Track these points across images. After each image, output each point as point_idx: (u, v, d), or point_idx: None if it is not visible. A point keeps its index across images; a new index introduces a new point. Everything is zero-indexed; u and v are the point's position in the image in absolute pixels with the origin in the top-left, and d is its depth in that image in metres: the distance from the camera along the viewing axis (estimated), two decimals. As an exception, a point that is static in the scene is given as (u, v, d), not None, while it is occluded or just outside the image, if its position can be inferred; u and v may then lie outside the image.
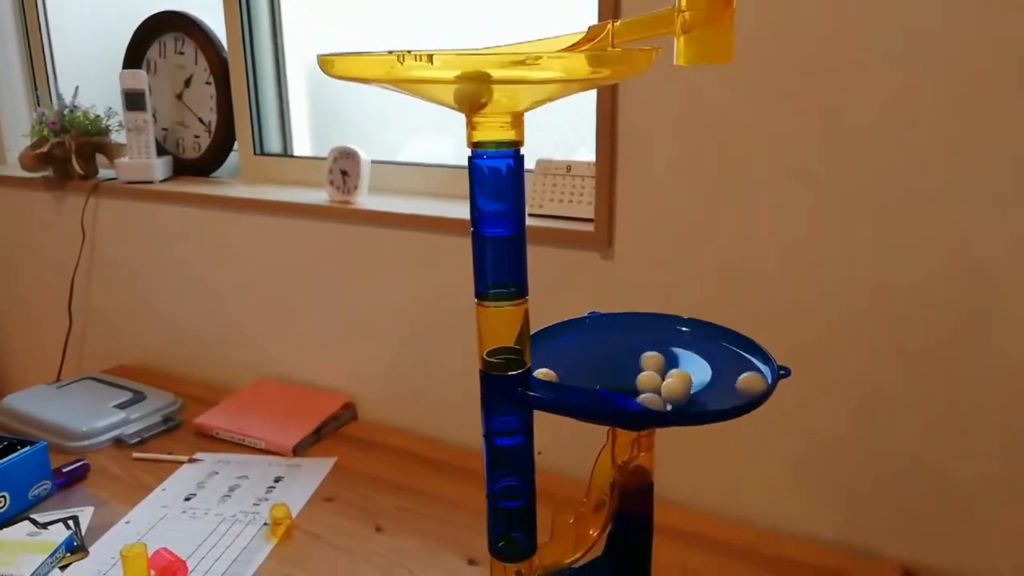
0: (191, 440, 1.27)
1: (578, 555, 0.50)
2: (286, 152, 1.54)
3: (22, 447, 1.09)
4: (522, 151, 0.39)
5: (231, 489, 1.12)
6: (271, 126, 1.53)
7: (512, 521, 0.46)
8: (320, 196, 1.33)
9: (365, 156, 1.28)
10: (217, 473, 1.17)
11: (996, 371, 0.86)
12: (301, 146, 1.54)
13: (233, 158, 1.57)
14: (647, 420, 0.46)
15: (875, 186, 0.87)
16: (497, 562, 0.47)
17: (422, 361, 1.27)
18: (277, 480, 1.15)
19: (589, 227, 1.07)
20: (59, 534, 1.00)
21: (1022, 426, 0.86)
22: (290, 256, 1.37)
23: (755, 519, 1.02)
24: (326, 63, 0.37)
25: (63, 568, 0.95)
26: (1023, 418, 0.86)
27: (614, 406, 0.43)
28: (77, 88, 1.60)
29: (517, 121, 0.38)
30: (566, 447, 0.80)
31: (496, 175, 0.39)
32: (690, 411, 0.47)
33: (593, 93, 1.02)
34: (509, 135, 0.38)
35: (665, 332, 0.58)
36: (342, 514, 1.07)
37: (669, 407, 0.46)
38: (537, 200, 1.13)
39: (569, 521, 0.51)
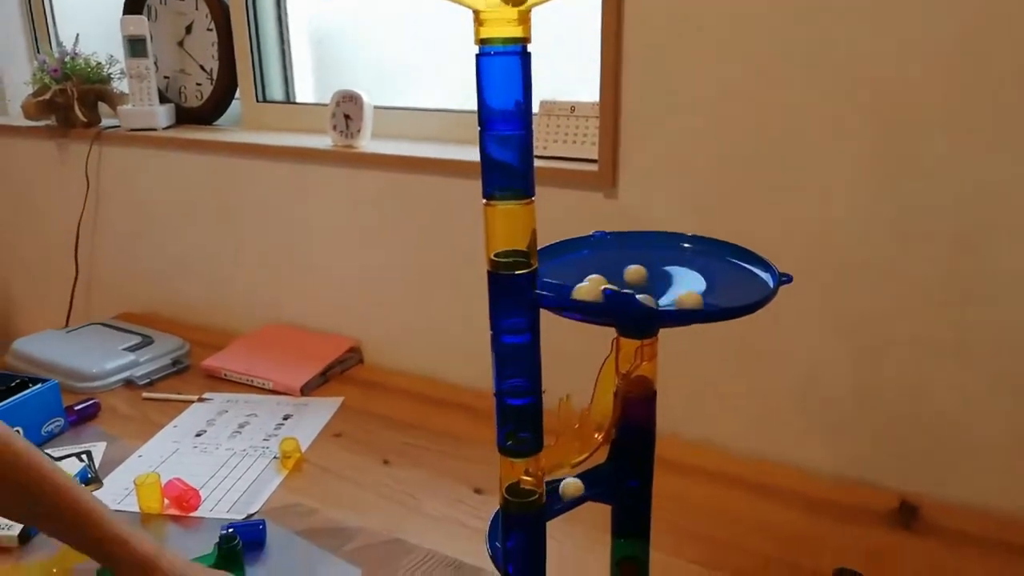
0: (200, 382, 1.29)
1: (583, 457, 0.52)
2: (288, 99, 1.53)
3: (33, 385, 1.11)
4: (529, 48, 0.40)
5: (240, 426, 1.14)
6: (273, 73, 1.52)
7: (519, 420, 0.48)
8: (324, 141, 1.33)
9: (368, 100, 1.28)
10: (226, 411, 1.19)
11: (995, 304, 0.87)
12: (304, 94, 1.54)
13: (235, 106, 1.57)
14: (646, 317, 0.47)
15: (880, 116, 0.88)
16: (506, 459, 0.49)
17: (426, 305, 1.29)
18: (286, 418, 1.17)
19: (593, 167, 1.08)
20: (73, 468, 1.02)
21: (1018, 360, 0.87)
22: (294, 202, 1.38)
23: (756, 454, 1.04)
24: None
25: (79, 498, 0.98)
26: (1019, 352, 0.87)
27: (618, 303, 0.45)
28: (78, 35, 1.59)
29: (524, 18, 0.39)
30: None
31: (503, 71, 0.39)
32: (687, 309, 0.48)
33: (597, 34, 1.02)
34: (516, 31, 0.39)
35: (670, 249, 0.59)
36: (350, 449, 1.09)
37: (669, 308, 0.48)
38: (541, 142, 1.13)
39: (575, 427, 0.52)
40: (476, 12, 0.39)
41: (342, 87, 1.30)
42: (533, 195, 0.43)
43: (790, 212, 0.95)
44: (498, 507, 0.53)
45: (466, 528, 0.92)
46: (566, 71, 1.20)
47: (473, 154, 1.21)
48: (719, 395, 1.06)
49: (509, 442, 0.48)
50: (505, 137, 0.41)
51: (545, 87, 1.19)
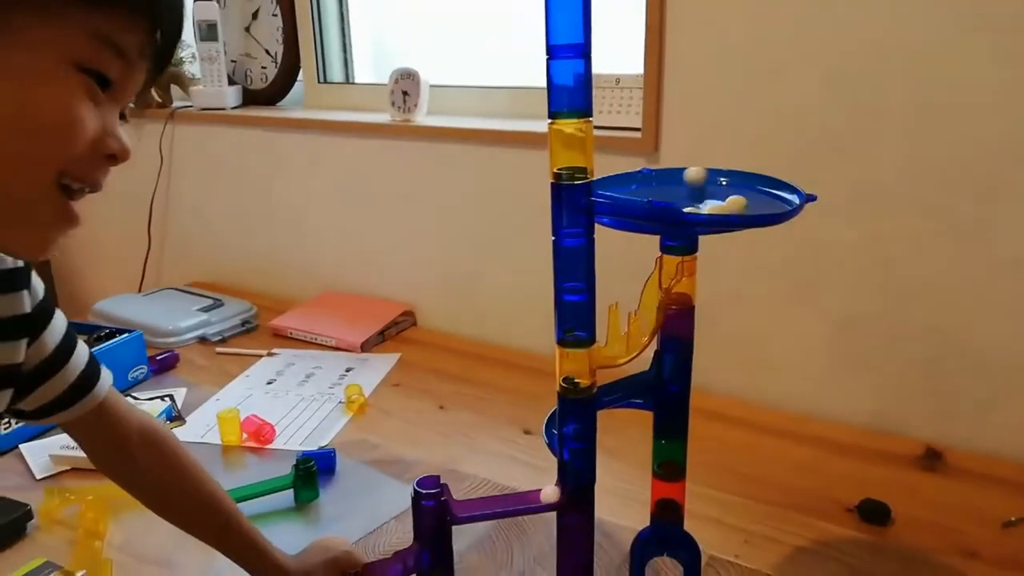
0: (267, 340, 1.39)
1: (629, 357, 0.59)
2: (348, 80, 1.63)
3: (120, 335, 1.22)
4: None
5: (307, 376, 1.24)
6: (334, 55, 1.62)
7: (575, 317, 0.55)
8: (382, 117, 1.42)
9: (425, 77, 1.37)
10: (293, 364, 1.29)
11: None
12: (362, 75, 1.63)
13: (298, 88, 1.67)
14: (688, 223, 0.55)
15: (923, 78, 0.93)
16: (563, 351, 0.56)
17: (477, 271, 1.37)
18: (348, 370, 1.26)
19: (636, 135, 1.15)
20: (158, 408, 1.13)
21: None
22: (354, 174, 1.47)
23: (787, 404, 1.10)
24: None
25: (166, 432, 1.08)
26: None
27: (663, 210, 0.52)
28: (153, 22, 1.71)
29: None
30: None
31: (568, 6, 0.47)
32: (723, 216, 0.56)
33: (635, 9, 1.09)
34: (581, -29, 0.47)
35: (709, 183, 0.66)
36: (408, 396, 1.18)
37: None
38: (587, 112, 1.20)
39: (622, 332, 0.60)
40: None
41: (398, 67, 1.38)
42: (591, 116, 0.50)
43: (827, 177, 1.01)
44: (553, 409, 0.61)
45: (516, 461, 0.99)
46: (606, 46, 1.27)
47: (523, 127, 1.29)
48: (752, 347, 1.13)
49: (566, 336, 0.56)
50: (568, 63, 0.49)
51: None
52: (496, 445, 1.04)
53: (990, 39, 0.89)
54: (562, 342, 0.56)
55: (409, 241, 1.44)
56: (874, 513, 0.86)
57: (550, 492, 0.60)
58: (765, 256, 1.09)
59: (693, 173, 0.60)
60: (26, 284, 0.57)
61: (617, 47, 1.19)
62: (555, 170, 0.52)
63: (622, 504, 0.85)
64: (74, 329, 0.64)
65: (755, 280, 1.10)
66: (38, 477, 0.97)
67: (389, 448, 1.03)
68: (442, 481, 0.61)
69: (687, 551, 0.70)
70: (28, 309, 0.56)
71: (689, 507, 0.70)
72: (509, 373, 1.25)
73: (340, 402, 1.15)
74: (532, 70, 1.34)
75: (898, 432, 1.03)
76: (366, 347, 1.34)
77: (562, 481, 0.60)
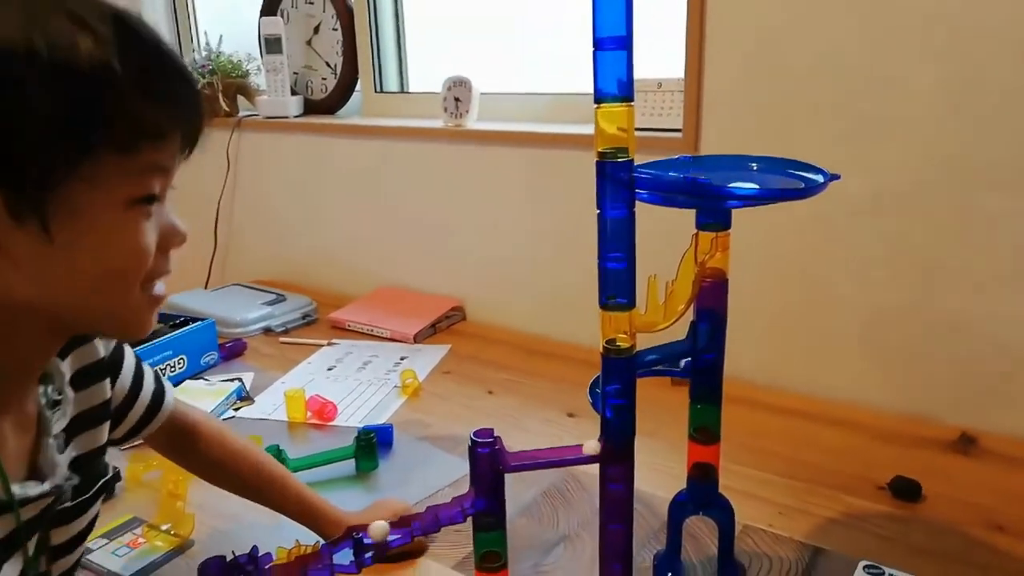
0: (327, 331, 1.48)
1: (667, 324, 0.65)
2: (403, 89, 1.72)
3: (194, 323, 1.32)
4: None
5: (365, 363, 1.32)
6: (390, 66, 1.71)
7: (617, 283, 0.61)
8: (435, 123, 1.51)
9: (476, 84, 1.45)
10: (351, 353, 1.37)
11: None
12: (416, 84, 1.72)
13: (355, 98, 1.77)
14: (720, 195, 0.61)
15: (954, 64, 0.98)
16: (606, 315, 0.62)
17: (523, 268, 1.43)
18: (402, 359, 1.34)
19: (678, 135, 1.20)
20: (229, 388, 1.21)
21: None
22: (407, 176, 1.55)
23: (822, 392, 1.14)
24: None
25: (236, 410, 1.17)
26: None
27: (698, 183, 0.58)
28: (221, 36, 1.83)
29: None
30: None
31: (612, 5, 0.54)
32: (754, 189, 0.61)
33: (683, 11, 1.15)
34: (624, -27, 0.53)
35: (740, 168, 0.72)
36: (459, 382, 1.25)
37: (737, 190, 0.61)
38: (630, 115, 1.26)
39: (660, 301, 0.65)
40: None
41: (451, 75, 1.47)
42: (632, 100, 0.57)
43: (862, 169, 1.05)
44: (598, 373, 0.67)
45: (560, 440, 1.04)
46: (648, 51, 1.34)
47: (565, 130, 1.35)
48: (785, 337, 1.17)
49: (608, 301, 0.62)
50: (612, 54, 0.55)
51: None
52: (541, 426, 1.10)
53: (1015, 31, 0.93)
54: (605, 306, 0.62)
55: (459, 239, 1.51)
56: (905, 490, 0.90)
57: (592, 445, 0.66)
58: (799, 245, 1.13)
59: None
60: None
61: (658, 52, 1.25)
62: (600, 149, 0.59)
63: (659, 478, 0.90)
64: (140, 361, 0.72)
65: (789, 270, 1.15)
66: (121, 447, 1.06)
67: (441, 427, 1.10)
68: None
69: (722, 512, 0.75)
70: (103, 354, 0.64)
71: (724, 482, 0.75)
72: (554, 363, 1.31)
73: (395, 386, 1.22)
74: (572, 77, 1.42)
75: (934, 419, 1.06)
76: (418, 338, 1.41)
77: (604, 436, 0.66)
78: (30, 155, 0.44)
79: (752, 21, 1.10)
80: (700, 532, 0.84)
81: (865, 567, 0.71)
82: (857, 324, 1.11)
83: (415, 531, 0.67)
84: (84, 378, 0.62)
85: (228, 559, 0.64)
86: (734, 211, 0.66)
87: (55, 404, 0.59)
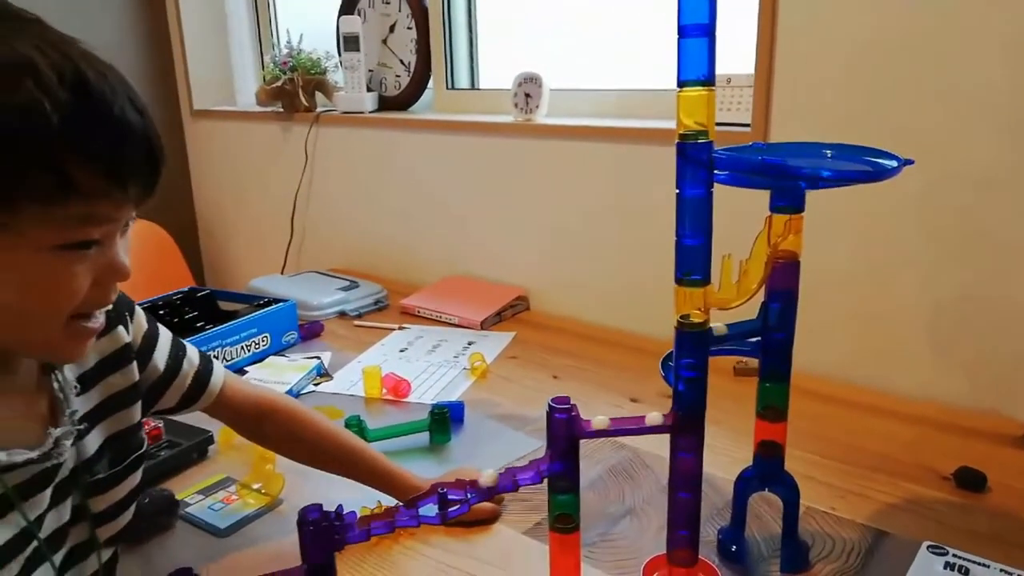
0: (397, 317, 1.54)
1: (739, 301, 0.68)
2: (473, 86, 1.78)
3: (276, 304, 1.39)
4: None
5: (434, 347, 1.37)
6: (461, 64, 1.77)
7: (692, 260, 0.64)
8: (505, 118, 1.56)
9: (546, 80, 1.49)
10: (422, 337, 1.43)
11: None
12: (486, 82, 1.77)
13: (427, 95, 1.83)
14: (794, 175, 0.63)
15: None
16: (681, 291, 0.66)
17: (588, 260, 1.47)
18: (469, 343, 1.39)
19: (747, 130, 1.23)
20: (309, 365, 1.28)
21: None
22: (476, 170, 1.61)
23: (889, 384, 1.15)
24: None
25: (316, 385, 1.23)
26: None
27: (773, 164, 0.61)
28: (301, 35, 1.91)
29: (714, -43, 0.57)
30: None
31: (698, -2, 0.57)
32: (827, 170, 0.64)
33: (755, 10, 1.17)
34: (708, -33, 0.57)
35: (814, 155, 0.75)
36: (524, 367, 1.29)
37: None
38: (699, 110, 1.29)
39: (734, 280, 0.69)
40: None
41: (522, 71, 1.51)
42: (713, 84, 0.60)
43: (933, 164, 1.06)
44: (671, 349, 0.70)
45: (626, 423, 1.09)
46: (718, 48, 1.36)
47: (632, 124, 1.39)
48: (854, 330, 1.18)
49: (684, 277, 0.65)
50: (695, 40, 0.59)
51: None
52: (605, 409, 1.13)
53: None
54: (680, 282, 0.65)
55: (524, 230, 1.56)
56: (970, 480, 0.90)
57: (655, 416, 0.69)
58: (869, 239, 1.14)
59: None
60: (121, 320, 0.69)
61: (727, 49, 1.27)
62: (681, 131, 0.62)
63: (723, 461, 0.92)
64: (183, 344, 0.79)
65: (859, 264, 1.16)
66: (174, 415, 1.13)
67: (509, 407, 1.14)
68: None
69: (787, 488, 0.78)
70: (128, 339, 0.69)
71: (788, 466, 0.77)
72: (616, 352, 1.34)
73: (464, 368, 1.27)
74: (640, 74, 1.45)
75: (1000, 414, 1.06)
76: (485, 325, 1.46)
77: (676, 408, 0.69)
78: None
79: (823, 19, 1.11)
80: (764, 512, 0.87)
81: (929, 547, 0.73)
82: (924, 319, 1.11)
83: (495, 490, 0.71)
84: (110, 364, 0.68)
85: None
86: (808, 202, 0.68)
87: (75, 390, 0.64)
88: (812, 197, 0.69)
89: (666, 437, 0.70)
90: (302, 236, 1.97)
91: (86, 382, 0.66)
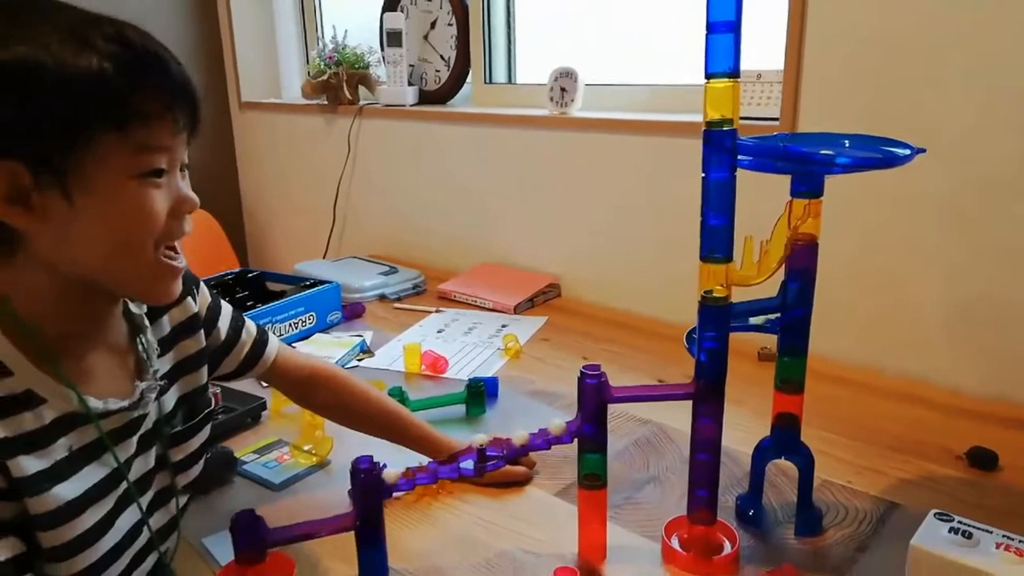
0: (434, 301, 1.61)
1: (761, 279, 0.73)
2: (510, 81, 1.84)
3: (321, 285, 1.47)
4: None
5: (470, 329, 1.44)
6: (499, 59, 1.83)
7: (716, 239, 0.70)
8: (541, 112, 1.62)
9: (581, 75, 1.55)
10: (457, 320, 1.49)
11: None
12: (523, 78, 1.83)
13: (465, 89, 1.89)
14: (813, 160, 0.69)
15: None
16: (704, 267, 0.71)
17: (618, 249, 1.53)
18: (503, 326, 1.45)
19: (775, 124, 1.27)
20: (352, 342, 1.36)
21: None
22: (511, 161, 1.67)
23: (907, 372, 1.19)
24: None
25: (359, 361, 1.31)
26: None
27: (793, 150, 0.66)
28: (346, 31, 1.99)
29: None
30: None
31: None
32: (845, 156, 0.69)
33: (785, 9, 1.22)
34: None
35: (834, 144, 0.80)
36: (556, 349, 1.35)
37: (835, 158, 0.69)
38: (729, 105, 1.34)
39: (755, 260, 0.74)
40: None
41: (559, 66, 1.57)
42: (738, 77, 0.66)
43: (955, 162, 1.10)
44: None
45: (651, 404, 1.14)
46: (748, 44, 1.41)
47: (663, 118, 1.44)
48: (874, 319, 1.22)
49: (708, 255, 0.71)
50: (722, 36, 0.64)
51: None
52: (634, 388, 1.19)
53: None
54: (704, 259, 0.71)
55: (556, 220, 1.62)
56: (982, 459, 0.95)
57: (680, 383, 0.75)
58: (889, 228, 1.18)
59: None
60: (190, 292, 0.76)
61: (757, 45, 1.32)
62: (707, 119, 0.68)
63: (744, 436, 0.97)
64: (242, 316, 0.87)
65: (878, 255, 1.20)
66: (264, 385, 1.21)
67: (541, 384, 1.21)
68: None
69: (802, 457, 0.83)
70: (196, 309, 0.77)
71: (808, 444, 0.82)
72: (643, 337, 1.40)
73: (498, 348, 1.34)
74: (670, 70, 1.50)
75: (1012, 400, 1.10)
76: (518, 310, 1.53)
77: (698, 377, 0.75)
78: (47, 138, 0.55)
79: (851, 17, 1.16)
80: (780, 482, 0.92)
81: (936, 514, 0.77)
82: (946, 307, 1.15)
83: (527, 448, 0.77)
84: (182, 331, 0.76)
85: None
86: (828, 190, 0.74)
87: (156, 351, 0.72)
88: (837, 188, 0.74)
89: (688, 414, 0.76)
90: (343, 223, 2.05)
91: (164, 346, 0.74)
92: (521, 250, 1.70)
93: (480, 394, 1.11)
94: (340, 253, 2.03)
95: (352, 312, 1.50)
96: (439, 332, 1.43)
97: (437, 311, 1.54)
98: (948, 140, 1.10)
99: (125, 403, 0.66)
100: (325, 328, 1.44)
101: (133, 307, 0.71)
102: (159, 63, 0.60)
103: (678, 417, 0.96)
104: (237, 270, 1.56)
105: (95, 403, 0.64)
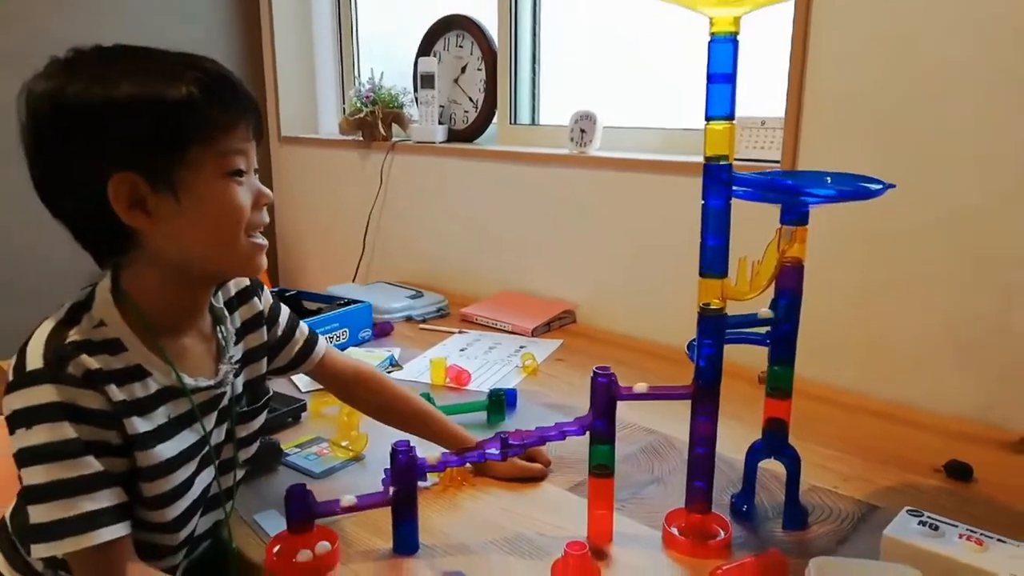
0: (457, 323, 1.73)
1: (753, 295, 0.83)
2: (534, 122, 1.98)
3: (354, 304, 1.59)
4: (738, 38, 0.75)
5: (490, 348, 1.55)
6: (524, 102, 1.97)
7: (714, 258, 0.81)
8: (561, 151, 1.74)
9: (600, 117, 1.68)
10: (479, 340, 1.60)
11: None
12: (545, 119, 1.97)
13: (491, 129, 2.03)
14: (797, 192, 0.80)
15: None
16: (703, 282, 0.82)
17: (630, 279, 1.64)
18: (521, 347, 1.56)
19: (776, 165, 1.39)
20: (382, 355, 1.47)
21: None
22: (532, 196, 1.79)
23: (894, 394, 1.28)
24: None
25: (388, 374, 1.41)
26: None
27: (780, 183, 0.77)
28: (383, 73, 2.15)
29: (736, 22, 0.74)
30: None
31: (723, 49, 0.74)
32: (826, 190, 0.80)
33: (786, 63, 1.35)
34: (731, 28, 0.74)
35: (817, 179, 0.91)
36: (570, 368, 1.46)
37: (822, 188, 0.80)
38: (736, 147, 1.46)
39: (748, 278, 0.84)
40: (710, 19, 0.75)
41: (579, 109, 1.71)
42: (733, 119, 0.77)
43: (945, 194, 1.21)
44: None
45: (659, 413, 1.24)
46: (754, 93, 1.53)
47: (674, 158, 1.57)
48: (862, 343, 1.32)
49: (706, 271, 0.82)
50: (720, 86, 0.76)
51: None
52: (642, 402, 1.28)
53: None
54: (703, 275, 0.82)
55: (573, 251, 1.73)
56: (959, 471, 1.03)
57: (642, 386, 0.86)
58: (877, 258, 1.29)
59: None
60: (256, 293, 0.90)
61: (762, 94, 1.45)
62: (707, 155, 0.79)
63: (741, 447, 1.07)
64: (297, 318, 0.99)
65: (871, 283, 1.30)
66: (303, 390, 1.32)
67: (556, 397, 1.31)
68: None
69: (789, 458, 0.92)
70: (261, 307, 0.90)
71: (804, 458, 0.92)
72: (651, 359, 1.50)
73: (517, 366, 1.44)
74: (680, 115, 1.62)
75: (1000, 425, 1.19)
76: (535, 333, 1.63)
77: (696, 380, 0.85)
78: (156, 152, 0.68)
79: (846, 71, 1.28)
80: (771, 485, 1.01)
81: (908, 510, 0.86)
82: (934, 331, 1.25)
83: (544, 439, 0.88)
84: (250, 326, 0.89)
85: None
86: (825, 233, 0.85)
87: (231, 339, 0.85)
88: (834, 221, 0.85)
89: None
90: (372, 251, 2.18)
91: (236, 337, 0.86)
92: (539, 279, 1.81)
93: (500, 403, 1.21)
94: (368, 278, 2.15)
95: (381, 330, 1.62)
96: (462, 350, 1.54)
97: (460, 332, 1.65)
98: (929, 178, 1.21)
99: (211, 382, 0.78)
100: (357, 344, 1.55)
101: (214, 301, 0.83)
102: (231, 85, 0.73)
103: (681, 428, 1.06)
104: (276, 288, 1.68)
105: (188, 380, 0.76)
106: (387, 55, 2.35)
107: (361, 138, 2.15)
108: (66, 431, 0.67)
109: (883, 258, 1.29)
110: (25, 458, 0.68)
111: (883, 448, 1.12)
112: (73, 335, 0.70)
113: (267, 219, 0.78)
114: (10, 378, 0.69)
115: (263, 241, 0.78)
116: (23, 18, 1.98)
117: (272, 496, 0.99)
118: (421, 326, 1.70)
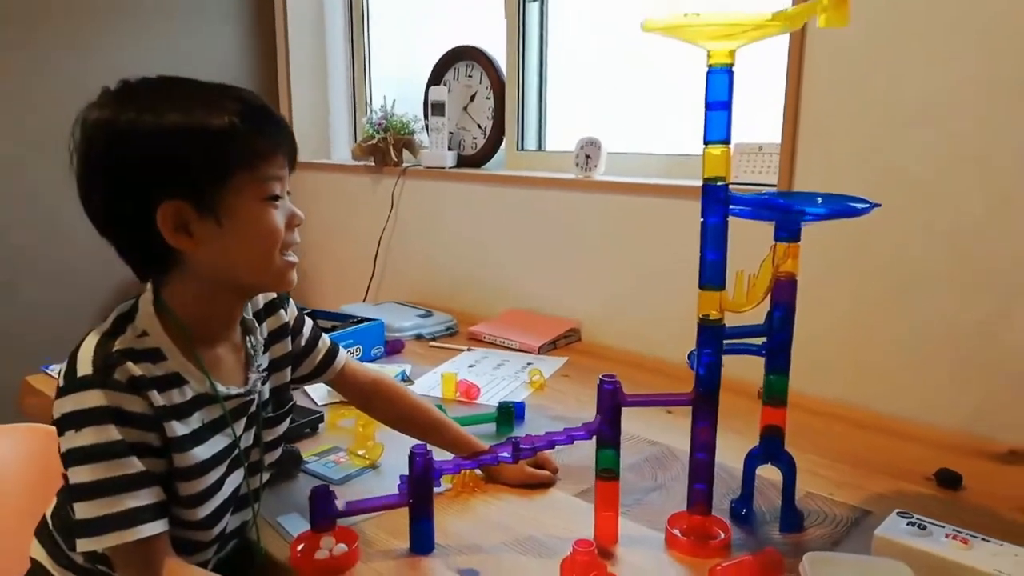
0: (466, 341, 1.78)
1: (750, 307, 0.89)
2: (540, 148, 2.05)
3: (367, 321, 1.64)
4: (734, 69, 0.81)
5: (498, 365, 1.60)
6: (531, 129, 2.04)
7: (712, 272, 0.86)
8: (567, 175, 1.81)
9: (604, 143, 1.75)
10: (487, 357, 1.66)
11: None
12: (551, 146, 2.04)
13: (499, 155, 2.10)
14: (789, 210, 0.86)
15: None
16: (702, 295, 0.88)
17: (634, 299, 1.69)
18: (528, 364, 1.61)
19: (773, 189, 1.45)
20: (394, 371, 1.52)
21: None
22: (539, 219, 1.86)
23: (885, 407, 1.33)
24: (649, 26, 0.81)
25: (400, 388, 1.47)
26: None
27: (773, 202, 0.83)
28: (395, 101, 2.23)
29: (731, 55, 0.81)
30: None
31: (720, 80, 0.81)
32: (817, 208, 0.86)
33: (782, 92, 1.42)
34: (728, 60, 0.81)
35: (808, 199, 0.97)
36: (575, 384, 1.51)
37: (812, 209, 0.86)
38: (734, 172, 1.53)
39: (745, 290, 0.90)
40: (708, 52, 0.82)
41: (584, 136, 1.78)
42: (729, 143, 0.84)
43: (934, 216, 1.27)
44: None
45: (663, 429, 1.29)
46: (752, 119, 1.60)
47: (675, 183, 1.64)
48: (852, 356, 1.37)
49: (705, 284, 0.88)
50: (715, 113, 0.82)
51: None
52: (645, 415, 1.34)
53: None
54: (703, 288, 0.88)
55: (578, 272, 1.79)
56: (948, 479, 1.08)
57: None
58: (869, 276, 1.35)
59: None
60: (283, 306, 0.95)
61: (760, 121, 1.51)
62: (705, 176, 0.86)
63: (739, 457, 1.12)
64: (319, 329, 1.04)
65: (860, 299, 1.36)
66: (319, 404, 1.38)
67: (561, 411, 1.36)
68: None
69: (785, 463, 0.97)
70: (287, 319, 0.96)
71: (801, 466, 0.97)
72: (654, 375, 1.55)
73: (524, 381, 1.50)
74: (682, 141, 1.69)
75: (990, 437, 1.23)
76: (541, 350, 1.69)
77: (697, 387, 0.91)
78: (201, 179, 0.74)
79: (840, 99, 1.35)
80: (769, 492, 1.06)
81: (898, 512, 0.91)
82: (923, 343, 1.30)
83: (553, 443, 0.93)
84: (276, 337, 0.94)
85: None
86: (820, 258, 0.91)
87: (259, 349, 0.90)
88: (825, 239, 0.91)
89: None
90: (382, 272, 2.24)
91: (264, 346, 0.91)
92: (545, 298, 1.87)
93: (509, 415, 1.26)
94: (379, 298, 2.21)
95: (392, 348, 1.67)
96: (471, 367, 1.59)
97: (469, 349, 1.70)
98: (918, 200, 1.27)
99: (242, 389, 0.84)
100: (370, 360, 1.60)
101: (245, 314, 0.89)
102: (269, 114, 0.80)
103: (683, 440, 1.11)
104: (292, 307, 1.73)
105: (221, 388, 0.81)
106: (399, 84, 2.43)
107: (373, 163, 2.23)
108: (112, 433, 0.72)
109: (873, 275, 1.34)
110: (73, 458, 0.73)
111: (875, 458, 1.17)
112: (119, 344, 0.75)
113: (299, 239, 0.83)
114: (60, 383, 0.75)
115: (295, 259, 0.83)
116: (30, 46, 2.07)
117: (293, 500, 1.04)
118: (431, 344, 1.75)
